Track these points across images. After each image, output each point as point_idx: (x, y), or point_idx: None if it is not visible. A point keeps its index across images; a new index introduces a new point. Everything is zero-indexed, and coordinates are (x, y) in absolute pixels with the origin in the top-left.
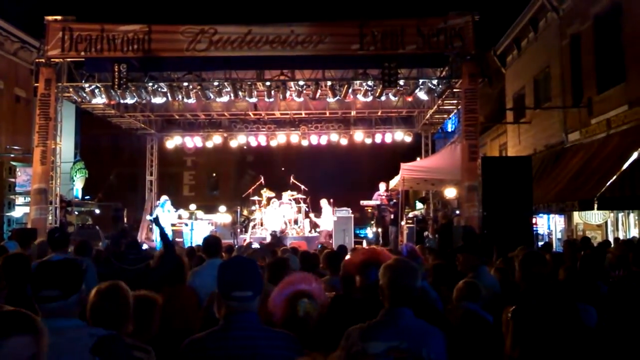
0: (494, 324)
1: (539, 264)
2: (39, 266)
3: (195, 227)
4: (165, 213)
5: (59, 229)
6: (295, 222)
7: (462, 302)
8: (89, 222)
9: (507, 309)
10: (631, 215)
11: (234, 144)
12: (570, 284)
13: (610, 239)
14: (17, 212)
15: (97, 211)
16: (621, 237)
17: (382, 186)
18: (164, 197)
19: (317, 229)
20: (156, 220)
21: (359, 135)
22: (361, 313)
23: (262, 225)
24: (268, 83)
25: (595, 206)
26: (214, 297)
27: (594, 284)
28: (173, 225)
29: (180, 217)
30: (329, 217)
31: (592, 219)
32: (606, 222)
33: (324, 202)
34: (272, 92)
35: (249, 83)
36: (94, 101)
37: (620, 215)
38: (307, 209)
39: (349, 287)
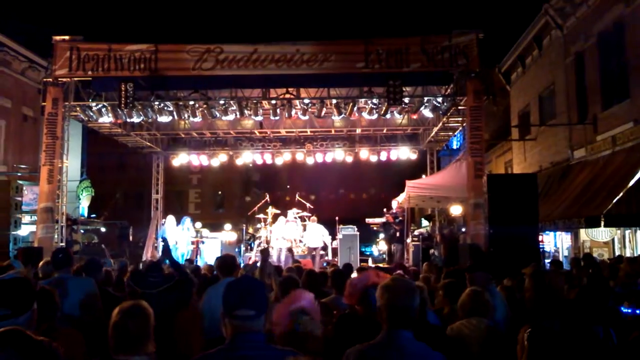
0: (507, 342)
1: (553, 282)
2: None
3: (201, 245)
4: (185, 231)
5: (63, 249)
6: (301, 240)
7: (481, 319)
8: (95, 240)
9: (524, 329)
10: (638, 232)
11: (239, 162)
12: (581, 305)
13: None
14: (24, 231)
15: (103, 229)
16: (629, 254)
17: (394, 203)
18: (170, 216)
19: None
20: (166, 252)
21: (364, 153)
22: (367, 332)
23: (267, 243)
24: (274, 101)
25: (602, 223)
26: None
27: (605, 305)
28: (193, 243)
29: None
30: (315, 234)
31: (599, 236)
32: (613, 239)
33: (312, 219)
34: (278, 111)
35: (254, 101)
36: (100, 120)
37: (627, 232)
38: None
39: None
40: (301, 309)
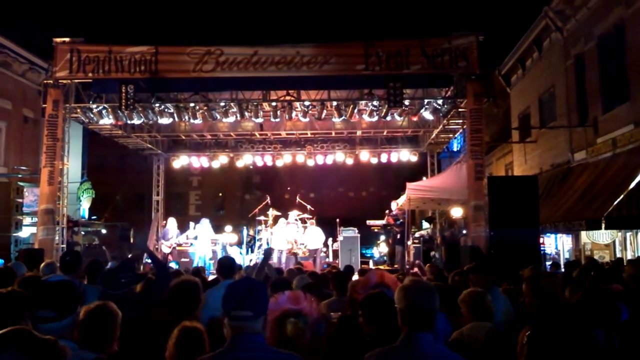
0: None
1: (549, 284)
2: (37, 286)
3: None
4: (205, 232)
5: (72, 252)
6: (302, 242)
7: (486, 323)
8: (96, 242)
9: (524, 330)
10: (639, 234)
11: (240, 164)
12: (583, 308)
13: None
14: (24, 233)
15: (104, 231)
16: (630, 257)
17: (393, 205)
18: (171, 219)
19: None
20: (145, 250)
21: (364, 155)
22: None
23: (268, 245)
24: (274, 103)
25: (603, 226)
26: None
27: (607, 307)
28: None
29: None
30: (314, 235)
31: (599, 239)
32: (614, 242)
33: (311, 221)
34: (278, 113)
35: (255, 103)
36: (101, 122)
37: (628, 234)
38: None
39: (356, 308)
40: (287, 312)
